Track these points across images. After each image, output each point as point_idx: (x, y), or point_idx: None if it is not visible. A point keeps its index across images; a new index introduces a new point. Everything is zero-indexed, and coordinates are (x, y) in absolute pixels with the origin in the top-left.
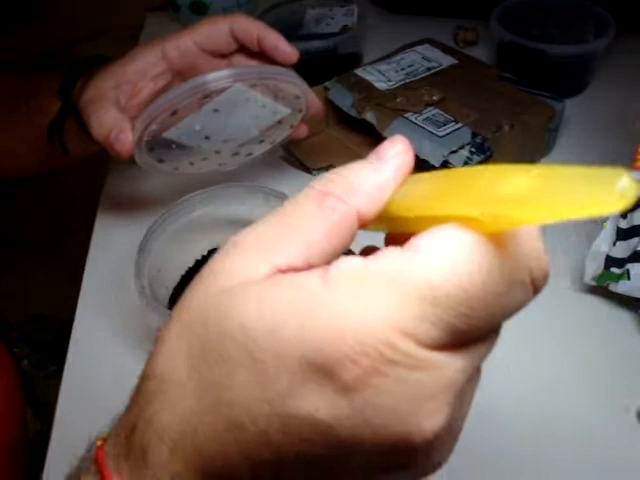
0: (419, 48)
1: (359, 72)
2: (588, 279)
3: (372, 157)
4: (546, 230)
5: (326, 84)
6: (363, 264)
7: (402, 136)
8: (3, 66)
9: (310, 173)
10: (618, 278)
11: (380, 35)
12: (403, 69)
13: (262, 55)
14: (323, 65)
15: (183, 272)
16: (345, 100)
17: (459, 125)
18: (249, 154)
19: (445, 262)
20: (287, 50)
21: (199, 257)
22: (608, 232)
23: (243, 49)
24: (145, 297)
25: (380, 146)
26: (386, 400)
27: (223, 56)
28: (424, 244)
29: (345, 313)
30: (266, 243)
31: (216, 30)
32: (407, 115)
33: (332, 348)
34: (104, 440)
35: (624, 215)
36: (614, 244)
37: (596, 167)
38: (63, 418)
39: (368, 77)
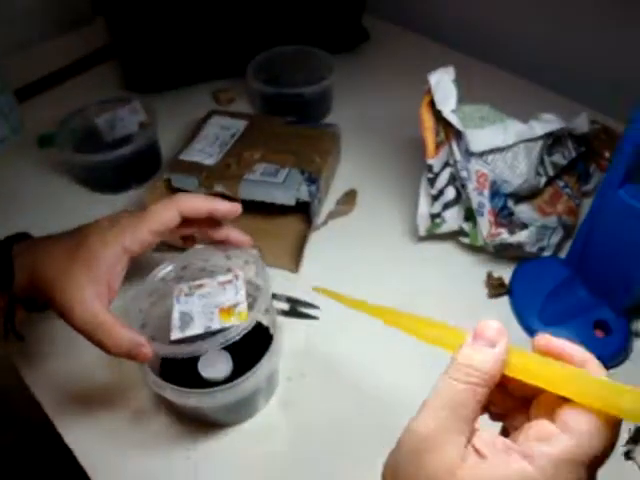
0: (211, 121)
1: (184, 157)
2: (422, 232)
3: (479, 341)
4: (384, 204)
5: (165, 177)
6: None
7: (494, 320)
8: None
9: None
10: (440, 224)
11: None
12: (214, 143)
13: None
14: (138, 164)
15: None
16: (190, 183)
17: (287, 169)
18: None
19: (592, 444)
20: (233, 210)
21: None
22: (423, 199)
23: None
24: None
25: (481, 329)
26: None
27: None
28: (577, 428)
29: None
30: (446, 427)
31: (167, 216)
32: (246, 177)
33: None
34: None
35: (432, 185)
36: (432, 205)
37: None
38: None
39: (194, 158)
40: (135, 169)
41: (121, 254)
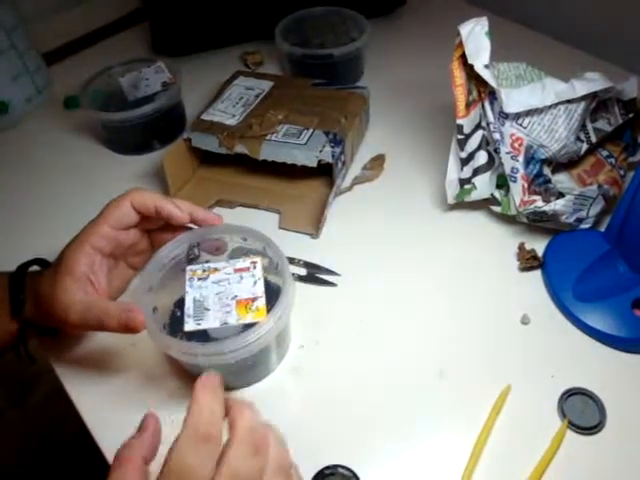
0: (236, 82)
1: (206, 117)
2: (450, 200)
3: None
4: (413, 172)
5: (184, 136)
6: None
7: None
8: None
9: None
10: (470, 191)
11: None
12: (237, 103)
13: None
14: (162, 124)
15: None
16: (210, 142)
17: (311, 130)
18: None
19: None
20: (181, 217)
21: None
22: (453, 164)
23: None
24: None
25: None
26: None
27: (136, 226)
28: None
29: None
30: None
31: (122, 211)
32: (268, 137)
33: None
34: None
35: (462, 148)
36: (462, 169)
37: None
38: None
39: (216, 119)
40: (158, 129)
41: (92, 252)
